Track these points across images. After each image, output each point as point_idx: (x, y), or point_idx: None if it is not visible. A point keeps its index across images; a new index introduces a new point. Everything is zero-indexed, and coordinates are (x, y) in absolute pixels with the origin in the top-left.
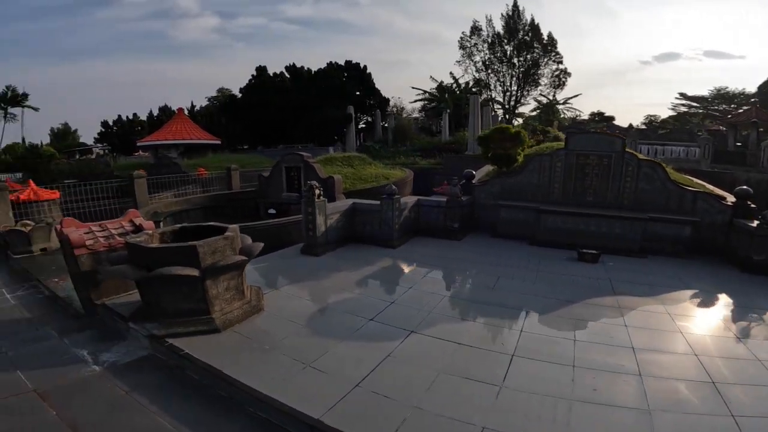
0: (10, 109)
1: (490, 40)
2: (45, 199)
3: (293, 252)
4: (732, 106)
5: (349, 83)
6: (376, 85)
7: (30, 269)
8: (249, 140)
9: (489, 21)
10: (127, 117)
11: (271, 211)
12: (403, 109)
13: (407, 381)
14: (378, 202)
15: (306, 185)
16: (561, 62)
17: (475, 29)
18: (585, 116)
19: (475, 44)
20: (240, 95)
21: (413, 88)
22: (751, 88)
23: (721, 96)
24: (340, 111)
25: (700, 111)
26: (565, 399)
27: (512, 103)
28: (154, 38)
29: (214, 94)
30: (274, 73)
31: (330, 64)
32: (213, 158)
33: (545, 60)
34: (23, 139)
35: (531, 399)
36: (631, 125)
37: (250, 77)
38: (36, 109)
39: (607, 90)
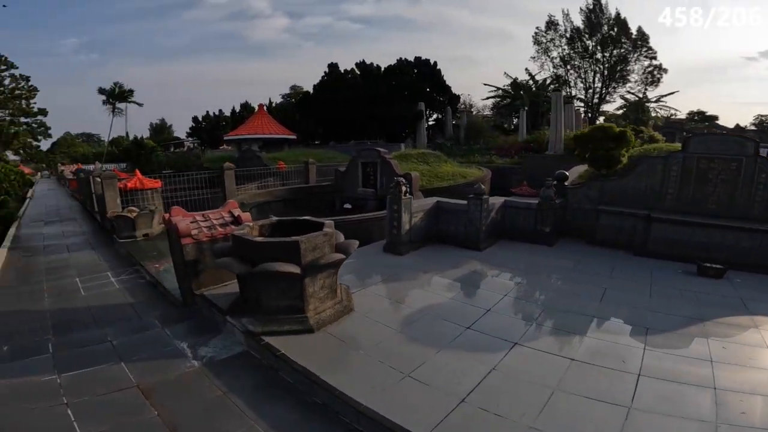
0: (117, 105)
1: (568, 35)
2: (149, 188)
3: (375, 249)
4: None
5: (419, 80)
6: (447, 82)
7: (133, 253)
8: (321, 136)
9: (566, 15)
10: (213, 113)
11: (347, 206)
12: (472, 106)
13: (518, 398)
14: (463, 202)
15: (392, 181)
16: (654, 58)
17: (551, 24)
18: (682, 115)
19: (552, 39)
20: (312, 92)
21: (485, 84)
22: None
23: None
24: (411, 107)
25: None
26: (709, 422)
27: (595, 100)
28: (232, 39)
29: (287, 91)
30: (345, 70)
31: (400, 60)
32: (289, 153)
33: (635, 56)
34: (127, 134)
35: (668, 422)
36: (738, 126)
37: (323, 74)
38: (140, 105)
39: (705, 88)
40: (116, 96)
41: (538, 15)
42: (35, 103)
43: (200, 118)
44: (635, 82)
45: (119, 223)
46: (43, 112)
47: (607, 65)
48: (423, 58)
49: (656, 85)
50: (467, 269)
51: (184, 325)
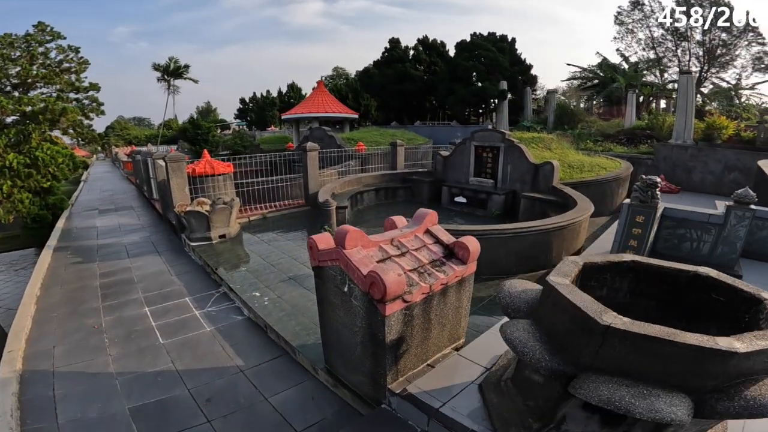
0: (173, 81)
1: (655, 14)
2: (220, 173)
3: None
4: None
5: (497, 57)
6: (527, 61)
7: (212, 264)
8: (382, 116)
9: None
10: (261, 94)
11: (460, 199)
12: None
13: None
14: (711, 211)
15: (641, 180)
16: (764, 44)
17: (637, 3)
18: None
19: (639, 20)
20: (373, 68)
21: (568, 64)
22: None
23: None
24: (492, 86)
25: None
26: None
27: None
28: (273, 25)
29: (330, 73)
30: (406, 47)
31: (474, 36)
32: (362, 132)
33: (742, 42)
34: (175, 116)
35: None
36: None
37: (383, 50)
38: (195, 81)
39: None
40: (172, 72)
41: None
42: (86, 77)
43: (247, 100)
44: (743, 67)
45: (190, 220)
46: (95, 87)
47: (707, 47)
48: (499, 34)
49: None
50: None
51: None
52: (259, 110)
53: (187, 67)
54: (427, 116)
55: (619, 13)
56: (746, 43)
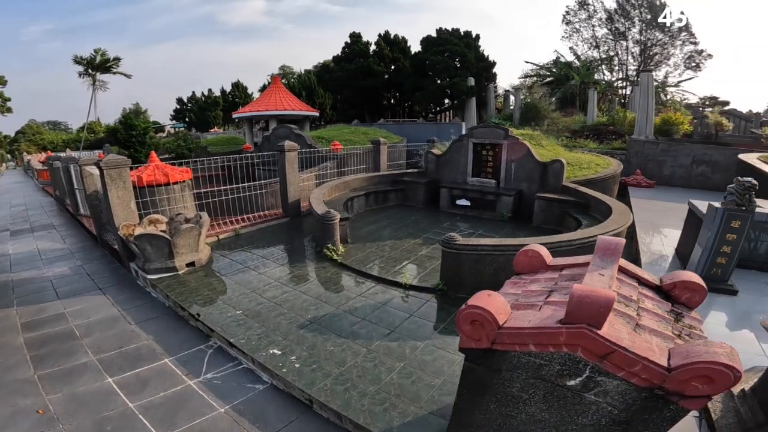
0: (100, 76)
1: (598, 15)
2: (176, 181)
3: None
4: None
5: (462, 52)
6: (490, 58)
7: (195, 310)
8: (343, 114)
9: None
10: (202, 93)
11: (463, 202)
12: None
13: None
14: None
15: (736, 182)
16: (696, 44)
17: (583, 4)
18: (694, 100)
19: (585, 19)
20: (332, 65)
21: (527, 62)
22: None
23: None
24: (460, 82)
25: None
26: None
27: (627, 83)
28: (208, 23)
29: (276, 72)
30: (367, 41)
31: (440, 31)
32: (332, 130)
33: (673, 41)
34: (98, 119)
35: None
36: (750, 111)
37: (343, 45)
38: (128, 76)
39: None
40: (98, 66)
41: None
42: None
43: (185, 100)
44: (674, 66)
45: (144, 246)
46: (1, 80)
47: (641, 48)
48: (462, 30)
49: (697, 71)
50: None
51: None
52: (200, 110)
53: (117, 60)
54: (388, 113)
55: (567, 12)
56: (680, 42)
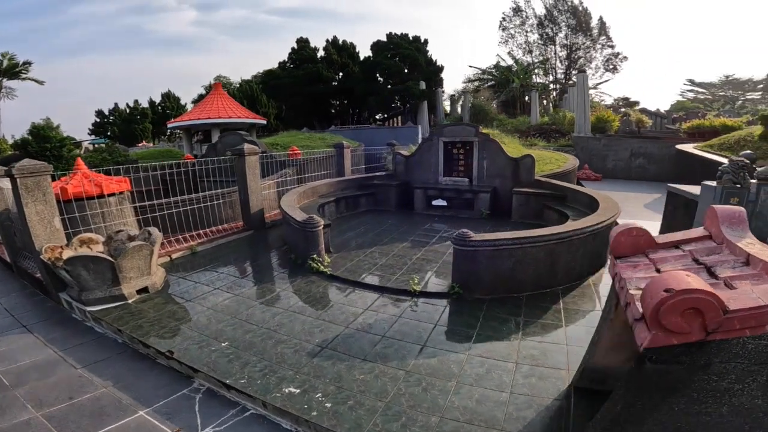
0: (7, 83)
1: (530, 21)
2: (111, 193)
3: None
4: (738, 92)
5: (413, 57)
6: (438, 62)
7: (163, 345)
8: (291, 122)
9: (528, 2)
10: (127, 105)
11: (440, 202)
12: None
13: None
14: None
15: (730, 163)
16: (613, 47)
17: (517, 10)
18: (610, 101)
19: (519, 25)
20: (279, 71)
21: (471, 66)
22: (761, 74)
23: (730, 82)
24: (412, 86)
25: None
26: None
27: (557, 86)
28: (134, 34)
29: (211, 82)
30: (315, 47)
31: (391, 36)
32: (287, 137)
33: (594, 45)
34: (3, 137)
35: None
36: (658, 110)
37: (290, 51)
38: (41, 83)
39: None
40: (4, 71)
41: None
42: None
43: (107, 112)
44: (596, 68)
45: (78, 272)
46: None
47: (567, 53)
48: (411, 35)
49: (615, 72)
50: None
51: None
52: (125, 123)
53: (27, 64)
54: (337, 121)
55: (503, 18)
56: (600, 46)
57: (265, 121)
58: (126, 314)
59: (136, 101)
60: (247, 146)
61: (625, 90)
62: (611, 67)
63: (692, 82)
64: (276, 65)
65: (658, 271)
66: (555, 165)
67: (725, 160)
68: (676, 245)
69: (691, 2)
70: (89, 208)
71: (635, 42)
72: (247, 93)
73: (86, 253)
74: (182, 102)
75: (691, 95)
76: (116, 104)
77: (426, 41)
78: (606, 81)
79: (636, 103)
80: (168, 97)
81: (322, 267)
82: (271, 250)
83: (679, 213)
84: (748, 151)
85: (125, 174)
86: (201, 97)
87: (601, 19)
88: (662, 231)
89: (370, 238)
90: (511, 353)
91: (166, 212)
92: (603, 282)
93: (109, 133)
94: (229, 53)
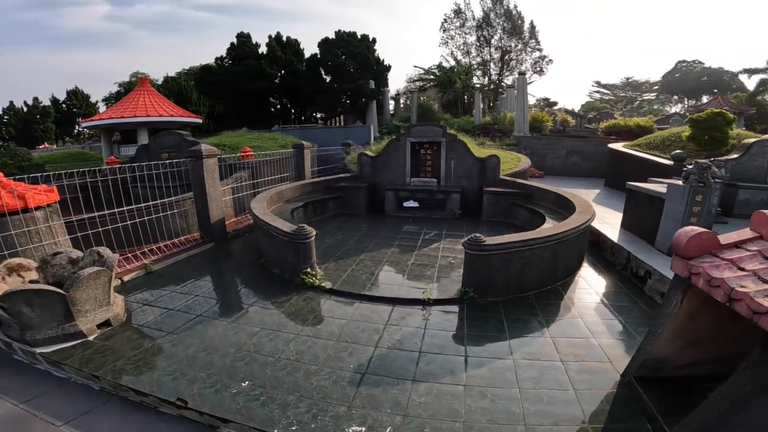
0: None
1: (469, 23)
2: (36, 206)
3: None
4: (637, 93)
5: (362, 55)
6: (385, 61)
7: (165, 393)
8: (230, 121)
9: (467, 4)
10: (25, 103)
11: (411, 203)
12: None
13: None
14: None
15: (695, 165)
16: (541, 50)
17: (458, 12)
18: (533, 101)
19: (459, 27)
20: (216, 68)
21: (415, 66)
22: (656, 76)
23: (630, 84)
24: (362, 85)
25: (612, 98)
26: None
27: (491, 86)
28: (32, 29)
29: (126, 80)
30: (256, 42)
31: (339, 33)
32: (233, 137)
33: (525, 48)
34: None
35: None
36: (573, 109)
37: (229, 46)
38: None
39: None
40: None
41: (391, 8)
42: None
43: (0, 111)
44: (525, 70)
45: (19, 309)
46: None
47: (499, 55)
48: (359, 33)
49: (542, 74)
50: None
51: None
52: (23, 123)
53: None
54: (279, 120)
55: (444, 20)
56: (530, 49)
57: (200, 120)
58: (94, 355)
59: (35, 99)
60: (204, 147)
61: (545, 91)
62: (538, 69)
63: (599, 84)
64: (204, 62)
65: (742, 269)
66: (512, 164)
67: (659, 159)
68: (736, 245)
69: (601, 7)
70: (12, 226)
71: (553, 45)
72: (174, 90)
73: (25, 286)
74: (92, 100)
75: (597, 96)
76: (12, 102)
77: (374, 40)
78: (532, 82)
79: (555, 103)
80: (75, 94)
81: (316, 281)
82: (245, 265)
83: (642, 209)
84: (679, 151)
85: (31, 182)
86: (117, 94)
87: (531, 23)
88: (625, 225)
89: (354, 245)
90: (552, 352)
91: (101, 229)
92: (584, 273)
93: (5, 135)
94: (147, 49)
